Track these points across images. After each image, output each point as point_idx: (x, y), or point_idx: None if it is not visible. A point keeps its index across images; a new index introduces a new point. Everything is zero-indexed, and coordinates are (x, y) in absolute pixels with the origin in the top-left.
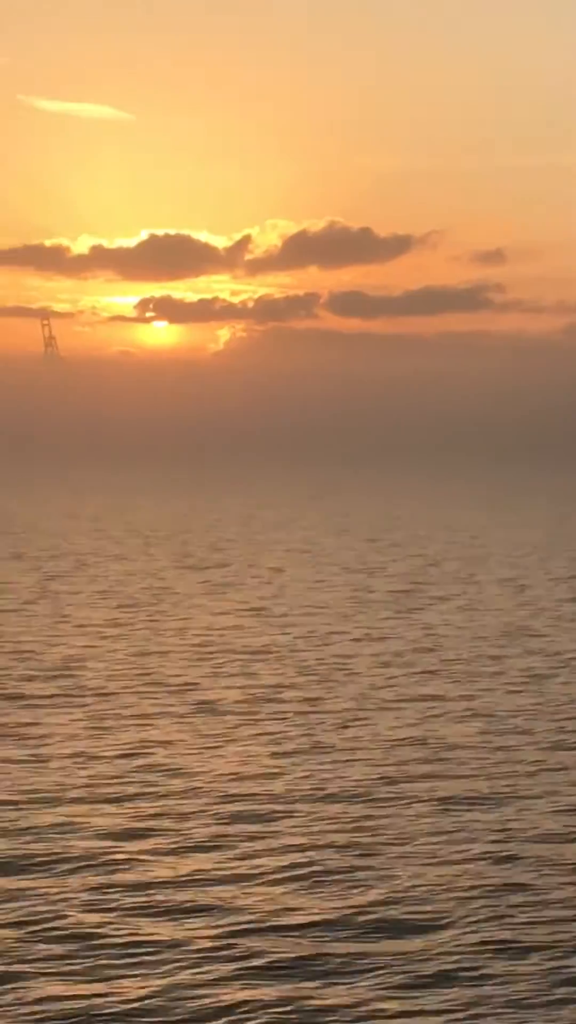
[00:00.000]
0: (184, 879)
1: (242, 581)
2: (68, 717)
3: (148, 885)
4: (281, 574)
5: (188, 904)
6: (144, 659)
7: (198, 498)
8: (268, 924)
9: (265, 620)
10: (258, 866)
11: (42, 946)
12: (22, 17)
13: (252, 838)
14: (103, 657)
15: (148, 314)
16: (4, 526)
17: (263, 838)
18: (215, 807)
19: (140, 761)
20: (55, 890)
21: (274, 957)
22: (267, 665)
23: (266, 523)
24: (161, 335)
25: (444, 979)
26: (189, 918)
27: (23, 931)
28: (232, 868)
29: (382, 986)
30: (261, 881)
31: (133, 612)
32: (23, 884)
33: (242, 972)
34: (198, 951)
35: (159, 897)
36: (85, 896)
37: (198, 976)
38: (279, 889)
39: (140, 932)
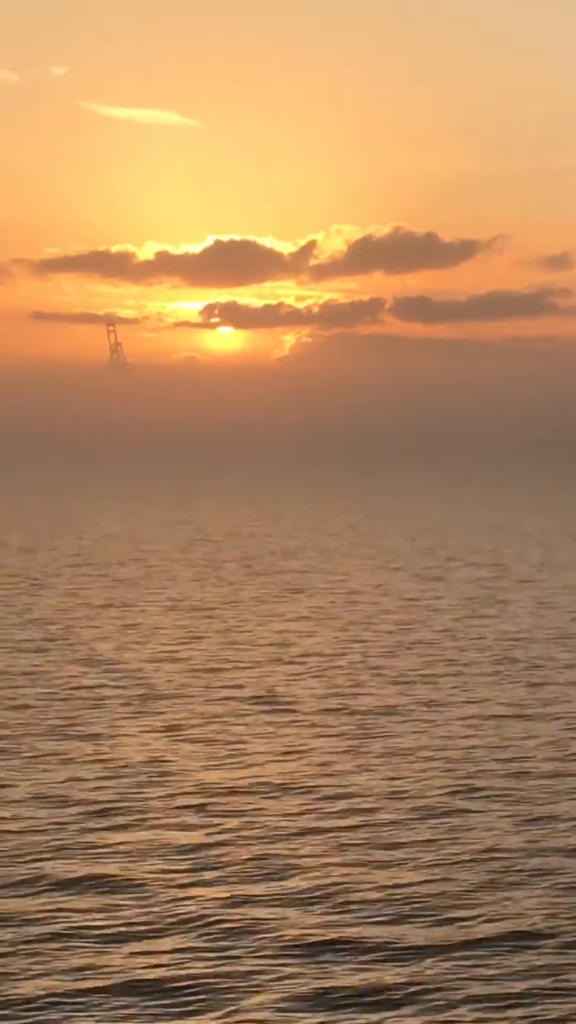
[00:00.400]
0: (269, 891)
1: (313, 586)
2: (143, 722)
3: (233, 894)
4: (351, 579)
5: (267, 912)
6: (218, 664)
7: (265, 503)
8: (353, 946)
9: (336, 626)
10: (338, 883)
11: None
12: (84, 25)
13: (333, 850)
14: (177, 662)
15: (213, 320)
16: (71, 530)
17: (343, 851)
18: (295, 813)
19: (216, 767)
20: (147, 895)
21: (360, 980)
22: (341, 671)
23: (333, 527)
24: (226, 341)
25: (543, 997)
26: (269, 926)
27: (118, 937)
28: (313, 880)
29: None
30: (342, 899)
31: (207, 619)
32: (113, 876)
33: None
34: (281, 970)
35: (244, 907)
36: (175, 901)
37: (284, 994)
38: (365, 909)
39: (226, 932)
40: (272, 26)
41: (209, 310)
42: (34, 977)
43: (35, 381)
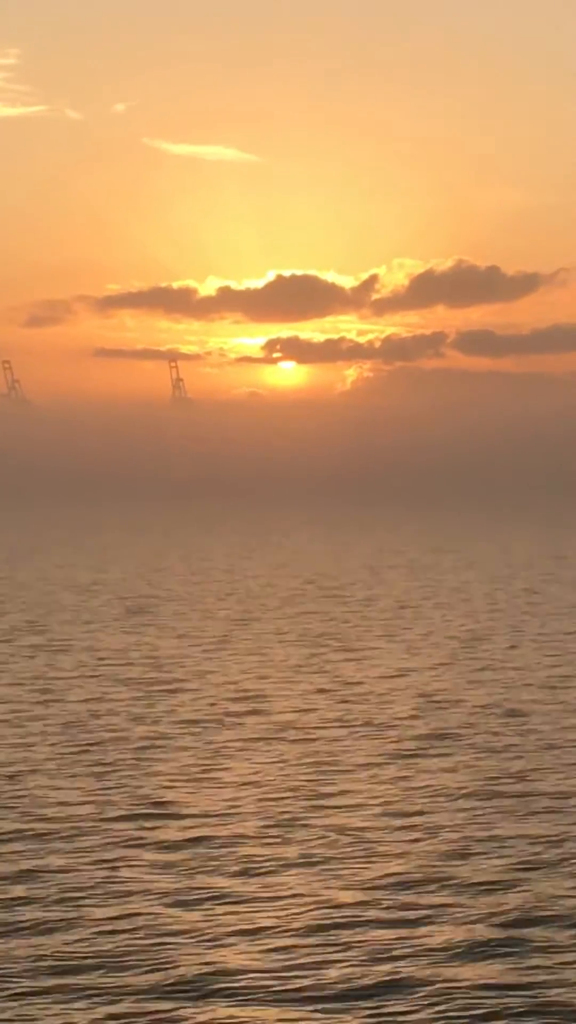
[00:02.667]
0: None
1: (410, 623)
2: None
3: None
4: (434, 617)
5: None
6: (338, 698)
7: (337, 539)
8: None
9: (447, 664)
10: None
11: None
12: (146, 62)
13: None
14: (293, 694)
15: (275, 355)
16: (147, 567)
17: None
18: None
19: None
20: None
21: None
22: (446, 709)
23: (413, 565)
24: (288, 376)
25: None
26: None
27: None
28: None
29: None
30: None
31: (319, 651)
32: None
33: None
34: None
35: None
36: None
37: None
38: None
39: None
40: (332, 61)
41: (271, 345)
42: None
43: (98, 417)
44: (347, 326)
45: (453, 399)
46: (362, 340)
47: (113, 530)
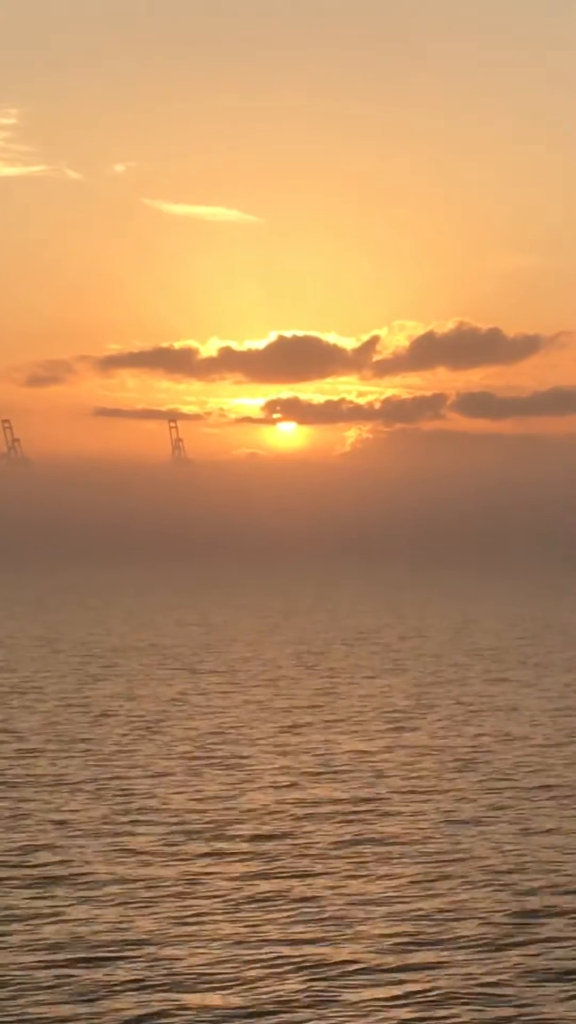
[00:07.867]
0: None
1: (437, 690)
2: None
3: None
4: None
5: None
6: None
7: (331, 602)
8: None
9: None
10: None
11: None
12: (146, 122)
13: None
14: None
15: (275, 416)
16: (155, 629)
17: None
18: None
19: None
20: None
21: None
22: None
23: (428, 628)
24: (288, 437)
25: None
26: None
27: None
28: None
29: None
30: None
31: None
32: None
33: None
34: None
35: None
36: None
37: None
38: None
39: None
40: (332, 123)
41: (271, 406)
42: None
43: (97, 477)
44: (347, 387)
45: (453, 461)
46: (362, 401)
47: (129, 592)
